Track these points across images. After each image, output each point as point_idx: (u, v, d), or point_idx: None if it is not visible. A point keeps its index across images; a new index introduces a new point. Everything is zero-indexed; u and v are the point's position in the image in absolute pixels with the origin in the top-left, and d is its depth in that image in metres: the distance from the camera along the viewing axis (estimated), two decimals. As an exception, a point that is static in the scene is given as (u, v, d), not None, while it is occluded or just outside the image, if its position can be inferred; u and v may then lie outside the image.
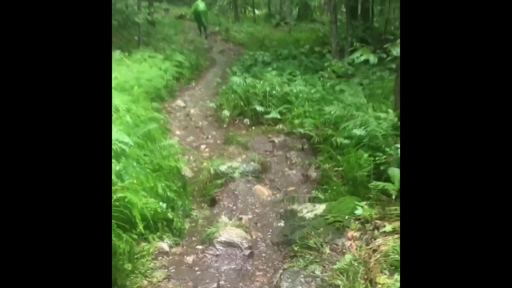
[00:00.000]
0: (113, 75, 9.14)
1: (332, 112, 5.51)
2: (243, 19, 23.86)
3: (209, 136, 6.92)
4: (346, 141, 4.99)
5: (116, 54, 10.69)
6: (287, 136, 6.11)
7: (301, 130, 5.89)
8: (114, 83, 8.25)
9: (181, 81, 11.43)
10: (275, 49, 13.83)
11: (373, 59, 6.94)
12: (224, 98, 7.92)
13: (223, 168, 5.26)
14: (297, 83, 8.04)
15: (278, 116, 6.65)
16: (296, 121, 6.09)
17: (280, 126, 6.35)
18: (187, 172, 5.52)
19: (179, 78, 11.47)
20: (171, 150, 6.02)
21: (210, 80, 11.92)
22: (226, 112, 7.36)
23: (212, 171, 5.20)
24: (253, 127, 6.82)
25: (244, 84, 7.55)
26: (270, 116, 6.68)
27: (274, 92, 7.20)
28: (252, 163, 5.40)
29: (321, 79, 8.61)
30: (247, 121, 7.07)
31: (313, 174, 5.15)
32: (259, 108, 6.88)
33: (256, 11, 27.50)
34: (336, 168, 4.73)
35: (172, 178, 4.82)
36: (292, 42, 15.23)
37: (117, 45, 14.63)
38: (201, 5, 17.37)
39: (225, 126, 7.20)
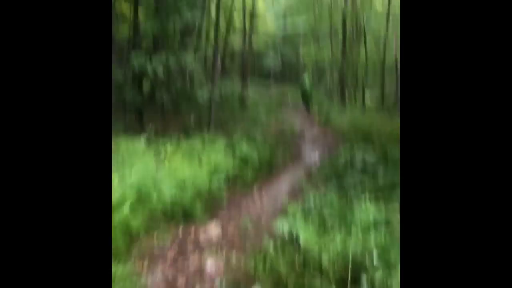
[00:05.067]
0: (126, 173, 5.42)
1: None
2: (350, 102, 19.72)
3: None
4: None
5: (140, 142, 7.06)
6: None
7: None
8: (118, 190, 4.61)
9: (237, 185, 7.40)
10: (383, 145, 9.15)
11: None
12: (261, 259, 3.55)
13: None
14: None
15: None
16: None
17: None
18: None
19: (236, 180, 7.46)
20: None
21: (283, 186, 7.73)
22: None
23: None
24: None
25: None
26: None
27: None
28: None
29: None
30: None
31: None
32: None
33: (368, 93, 23.20)
34: None
35: None
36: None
37: (172, 128, 11.20)
38: (307, 81, 16.45)
39: None
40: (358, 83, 22.13)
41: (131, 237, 4.52)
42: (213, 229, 5.41)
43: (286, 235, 3.40)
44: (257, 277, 3.48)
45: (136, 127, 9.51)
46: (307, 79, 16.72)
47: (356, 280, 2.74)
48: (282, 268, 3.00)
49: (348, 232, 3.29)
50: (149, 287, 3.84)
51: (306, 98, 16.67)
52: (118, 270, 3.68)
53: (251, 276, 3.61)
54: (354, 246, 2.99)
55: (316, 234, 3.15)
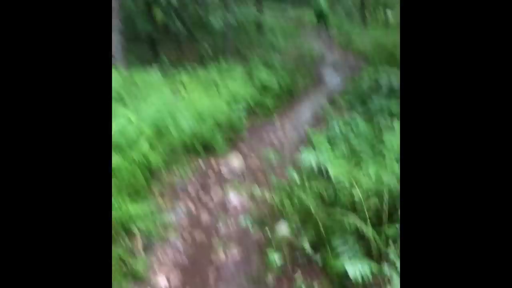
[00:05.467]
0: (142, 108, 5.16)
1: None
2: (372, 22, 18.70)
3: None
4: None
5: (155, 73, 6.69)
6: None
7: None
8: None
9: (257, 114, 7.10)
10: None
11: None
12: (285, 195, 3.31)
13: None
14: None
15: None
16: None
17: None
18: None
19: (256, 109, 7.15)
20: None
21: (305, 113, 7.40)
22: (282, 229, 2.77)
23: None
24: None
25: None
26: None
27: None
28: None
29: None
30: None
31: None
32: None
33: (390, 14, 21.91)
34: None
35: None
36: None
37: (188, 57, 10.74)
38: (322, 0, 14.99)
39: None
40: (379, 2, 20.85)
41: (151, 173, 4.34)
42: (235, 161, 5.20)
43: (313, 167, 3.12)
44: (283, 213, 3.28)
45: (150, 58, 9.12)
46: None
47: (393, 217, 2.49)
48: (311, 204, 2.76)
49: (381, 164, 3.00)
50: (173, 224, 3.69)
51: (322, 19, 15.88)
52: (140, 207, 3.51)
53: (276, 212, 3.41)
54: (388, 179, 2.71)
55: (346, 166, 2.87)
